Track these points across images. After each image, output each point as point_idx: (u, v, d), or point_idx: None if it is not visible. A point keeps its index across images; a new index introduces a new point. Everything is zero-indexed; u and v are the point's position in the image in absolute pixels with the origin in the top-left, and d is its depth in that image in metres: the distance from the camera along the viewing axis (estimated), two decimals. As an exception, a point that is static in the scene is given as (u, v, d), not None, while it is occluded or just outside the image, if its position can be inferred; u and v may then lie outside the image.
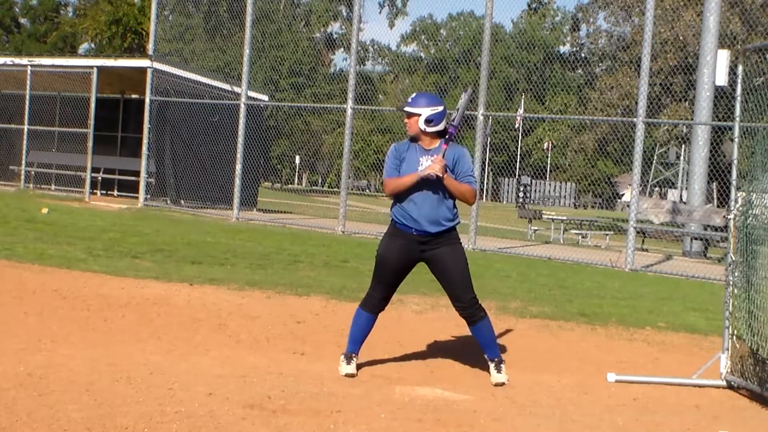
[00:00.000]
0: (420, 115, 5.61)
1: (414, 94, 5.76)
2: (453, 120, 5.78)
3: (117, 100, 24.69)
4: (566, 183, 55.47)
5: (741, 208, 6.21)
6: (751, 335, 5.89)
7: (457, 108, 5.81)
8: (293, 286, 9.15)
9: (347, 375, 5.65)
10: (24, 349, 5.65)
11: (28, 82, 21.38)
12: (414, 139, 5.72)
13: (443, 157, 5.57)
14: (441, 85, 52.45)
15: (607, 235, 20.64)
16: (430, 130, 5.62)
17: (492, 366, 5.79)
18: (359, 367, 5.79)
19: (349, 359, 5.74)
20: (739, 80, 6.40)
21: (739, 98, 6.41)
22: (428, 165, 5.56)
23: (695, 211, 18.20)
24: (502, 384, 5.70)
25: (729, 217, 6.40)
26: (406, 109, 5.68)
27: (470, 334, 5.92)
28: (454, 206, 5.70)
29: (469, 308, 5.72)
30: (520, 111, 43.42)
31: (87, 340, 6.12)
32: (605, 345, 7.45)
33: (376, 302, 5.79)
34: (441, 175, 5.52)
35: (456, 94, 52.28)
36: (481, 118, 15.49)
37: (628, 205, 16.50)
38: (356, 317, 5.85)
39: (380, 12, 59.28)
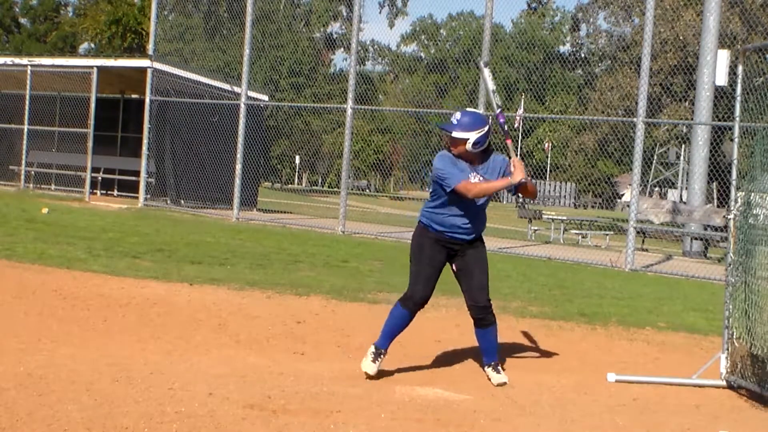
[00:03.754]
0: (468, 139, 5.53)
1: (459, 115, 5.58)
2: (499, 122, 5.80)
3: (117, 100, 24.68)
4: (566, 183, 55.45)
5: (740, 208, 6.22)
6: (747, 335, 5.89)
7: (497, 106, 5.77)
8: (293, 286, 9.15)
9: (365, 372, 5.60)
10: (24, 349, 5.65)
11: (28, 82, 21.37)
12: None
13: (497, 168, 5.63)
14: (441, 85, 52.45)
15: (607, 235, 20.63)
16: (477, 151, 5.57)
17: (490, 369, 5.79)
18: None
19: (377, 355, 5.66)
20: (739, 80, 6.41)
21: (739, 98, 6.41)
22: (513, 171, 5.51)
23: (695, 211, 18.20)
24: (504, 384, 5.70)
25: (729, 217, 6.40)
26: (454, 135, 5.53)
27: (471, 334, 5.92)
28: (485, 215, 5.80)
29: (484, 310, 5.73)
30: (520, 111, 43.40)
31: (87, 340, 6.12)
32: (605, 345, 7.45)
33: (417, 301, 5.69)
34: (527, 179, 5.52)
35: (456, 94, 52.34)
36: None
37: (628, 205, 16.50)
38: (394, 311, 5.77)
39: (380, 12, 59.34)
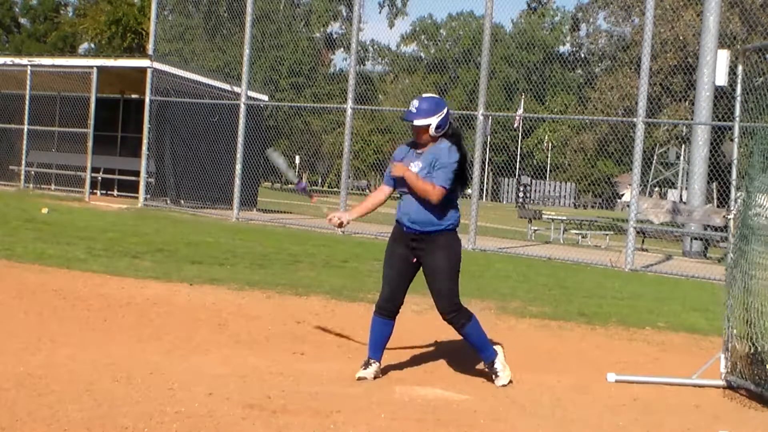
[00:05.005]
0: (430, 125, 5.46)
1: (416, 102, 5.52)
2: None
3: (117, 100, 24.67)
4: (566, 183, 55.49)
5: (740, 208, 6.22)
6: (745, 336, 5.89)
7: None
8: (293, 286, 9.15)
9: (358, 378, 5.59)
10: (24, 349, 5.65)
11: (28, 82, 21.37)
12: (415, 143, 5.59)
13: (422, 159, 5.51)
14: (441, 85, 52.46)
15: (607, 235, 20.64)
16: (439, 134, 5.51)
17: (489, 371, 5.76)
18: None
19: (366, 365, 5.66)
20: (739, 80, 6.41)
21: (739, 98, 6.42)
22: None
23: (695, 211, 18.19)
24: (503, 385, 5.69)
25: (729, 217, 6.40)
26: (416, 123, 5.46)
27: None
28: (444, 209, 5.49)
29: (447, 316, 5.61)
30: (520, 111, 43.39)
31: (87, 340, 6.12)
32: (605, 345, 7.44)
33: (381, 303, 5.66)
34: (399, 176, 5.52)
35: (456, 94, 52.32)
36: (481, 118, 15.48)
37: (628, 205, 16.50)
38: (371, 323, 5.75)
39: (380, 12, 59.23)
